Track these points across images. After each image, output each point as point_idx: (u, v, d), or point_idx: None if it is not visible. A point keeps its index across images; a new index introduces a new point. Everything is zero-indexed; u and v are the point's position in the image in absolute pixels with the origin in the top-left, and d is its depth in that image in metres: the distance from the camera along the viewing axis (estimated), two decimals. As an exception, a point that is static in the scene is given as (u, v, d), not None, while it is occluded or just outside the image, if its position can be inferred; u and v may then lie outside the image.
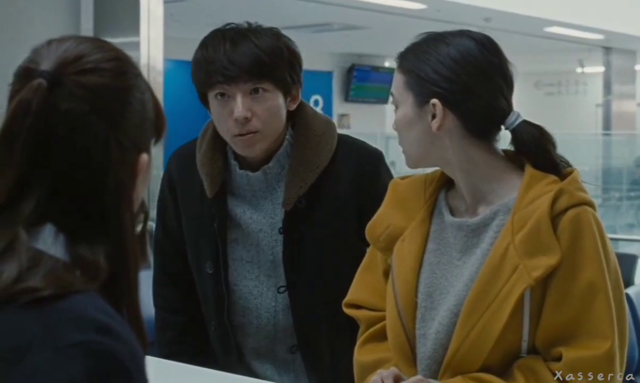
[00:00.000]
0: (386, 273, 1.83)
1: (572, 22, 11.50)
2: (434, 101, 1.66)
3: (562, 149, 1.71)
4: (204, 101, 2.09)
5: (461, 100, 1.65)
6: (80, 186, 1.00)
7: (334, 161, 2.06)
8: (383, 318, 1.82)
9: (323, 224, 2.04)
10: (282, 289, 2.11)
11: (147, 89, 1.08)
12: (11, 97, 1.01)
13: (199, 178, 2.13)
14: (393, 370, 1.74)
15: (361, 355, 1.85)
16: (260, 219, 2.11)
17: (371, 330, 1.85)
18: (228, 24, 2.07)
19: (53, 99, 0.99)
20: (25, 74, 1.02)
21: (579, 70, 17.05)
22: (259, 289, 2.14)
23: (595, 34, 12.76)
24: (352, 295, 1.90)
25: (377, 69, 13.82)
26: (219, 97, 2.03)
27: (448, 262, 1.72)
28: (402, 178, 1.86)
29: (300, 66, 2.10)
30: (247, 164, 2.11)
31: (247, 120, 2.01)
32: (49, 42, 1.05)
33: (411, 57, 1.70)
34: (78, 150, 0.99)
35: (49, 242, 0.99)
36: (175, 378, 2.14)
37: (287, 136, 2.10)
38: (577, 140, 14.20)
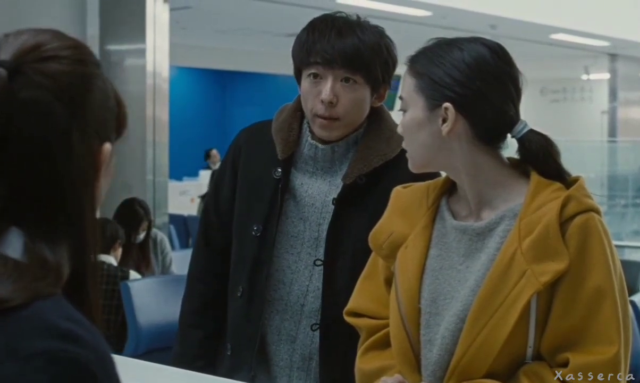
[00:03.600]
0: (388, 281, 1.83)
1: (577, 29, 11.51)
2: (447, 105, 1.66)
3: (568, 157, 1.71)
4: (297, 75, 2.21)
5: (474, 105, 1.66)
6: (41, 180, 0.97)
7: (400, 158, 2.09)
8: (384, 326, 1.81)
9: (374, 209, 2.06)
10: (318, 262, 2.16)
11: (108, 80, 1.06)
12: None
13: (267, 147, 2.23)
14: (397, 377, 1.73)
15: (363, 363, 1.85)
16: (315, 194, 2.19)
17: (373, 338, 1.84)
18: (338, 13, 2.18)
19: (13, 88, 0.96)
20: None
21: (584, 77, 17.07)
22: (297, 265, 2.19)
23: (601, 41, 12.76)
24: (353, 303, 1.90)
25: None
26: (312, 77, 2.14)
27: (450, 267, 1.72)
28: (405, 187, 1.86)
29: (394, 68, 2.20)
30: (319, 141, 2.20)
31: (331, 104, 2.12)
32: (6, 36, 1.03)
33: (424, 61, 1.70)
34: (38, 141, 0.96)
35: (18, 247, 0.96)
36: (164, 380, 2.15)
37: (363, 127, 2.21)
38: (582, 147, 14.20)
